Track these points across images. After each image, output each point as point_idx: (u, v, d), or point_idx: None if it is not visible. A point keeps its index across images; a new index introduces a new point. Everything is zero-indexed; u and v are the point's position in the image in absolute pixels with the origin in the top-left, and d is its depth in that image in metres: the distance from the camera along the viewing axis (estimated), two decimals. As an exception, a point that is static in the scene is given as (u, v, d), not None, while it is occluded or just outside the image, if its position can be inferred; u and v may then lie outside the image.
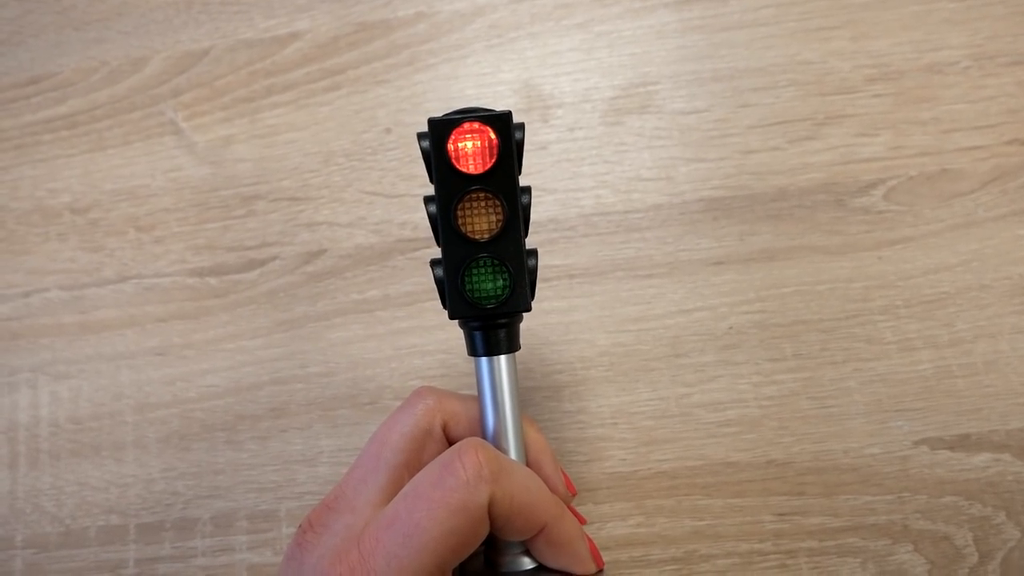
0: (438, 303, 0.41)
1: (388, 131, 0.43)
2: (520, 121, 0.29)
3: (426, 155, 0.28)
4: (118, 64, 0.45)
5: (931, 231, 0.40)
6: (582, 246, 0.41)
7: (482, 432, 0.30)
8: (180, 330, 0.41)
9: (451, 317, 0.28)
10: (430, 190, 0.41)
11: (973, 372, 0.39)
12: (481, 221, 0.28)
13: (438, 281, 0.29)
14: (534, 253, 0.30)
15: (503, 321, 0.29)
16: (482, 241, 0.28)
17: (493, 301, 0.28)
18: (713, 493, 0.38)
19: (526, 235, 0.29)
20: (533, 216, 0.40)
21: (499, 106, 0.43)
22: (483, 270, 0.28)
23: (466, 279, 0.28)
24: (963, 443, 0.38)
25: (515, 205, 0.28)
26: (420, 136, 0.29)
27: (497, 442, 0.30)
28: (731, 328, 0.40)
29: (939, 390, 0.38)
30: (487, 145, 0.28)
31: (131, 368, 0.41)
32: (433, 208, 0.29)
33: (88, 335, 0.42)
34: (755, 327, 0.40)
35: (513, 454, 0.30)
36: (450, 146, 0.28)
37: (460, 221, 0.28)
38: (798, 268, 0.40)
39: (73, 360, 0.42)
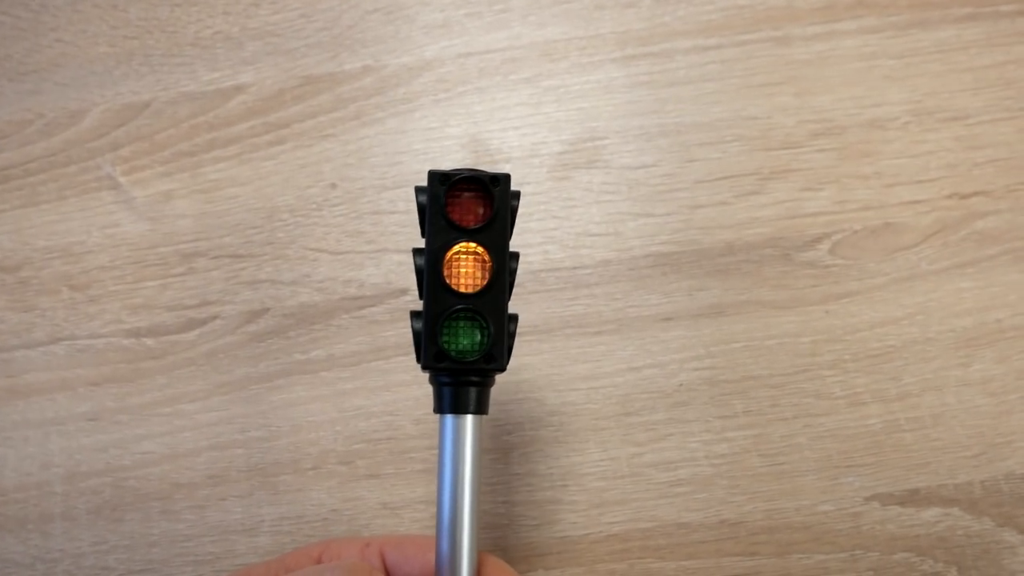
0: (383, 363, 0.40)
1: (333, 186, 0.42)
2: (517, 189, 0.29)
3: (421, 205, 0.28)
4: (54, 116, 0.44)
5: (876, 285, 0.41)
6: (530, 303, 0.40)
7: (437, 499, 0.29)
8: (114, 394, 0.40)
9: (423, 368, 0.28)
10: (376, 247, 0.41)
11: (921, 426, 0.39)
12: (467, 275, 0.28)
13: (415, 333, 0.28)
14: (514, 318, 0.29)
15: (474, 379, 0.28)
16: (466, 295, 0.28)
17: (468, 356, 0.28)
18: (666, 556, 0.37)
19: (509, 298, 0.29)
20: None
21: (446, 160, 0.42)
22: (462, 323, 0.28)
23: (443, 331, 0.28)
24: (913, 498, 0.38)
25: (503, 264, 0.28)
26: (418, 189, 0.28)
27: (453, 513, 0.28)
28: (681, 385, 0.39)
29: (888, 445, 0.38)
30: (483, 201, 0.28)
31: (61, 435, 0.39)
32: (421, 260, 0.28)
33: (16, 400, 0.40)
34: (705, 384, 0.39)
35: (466, 526, 0.28)
36: (447, 197, 0.28)
37: (447, 272, 0.28)
38: (747, 323, 0.40)
39: (-1, 427, 0.40)
